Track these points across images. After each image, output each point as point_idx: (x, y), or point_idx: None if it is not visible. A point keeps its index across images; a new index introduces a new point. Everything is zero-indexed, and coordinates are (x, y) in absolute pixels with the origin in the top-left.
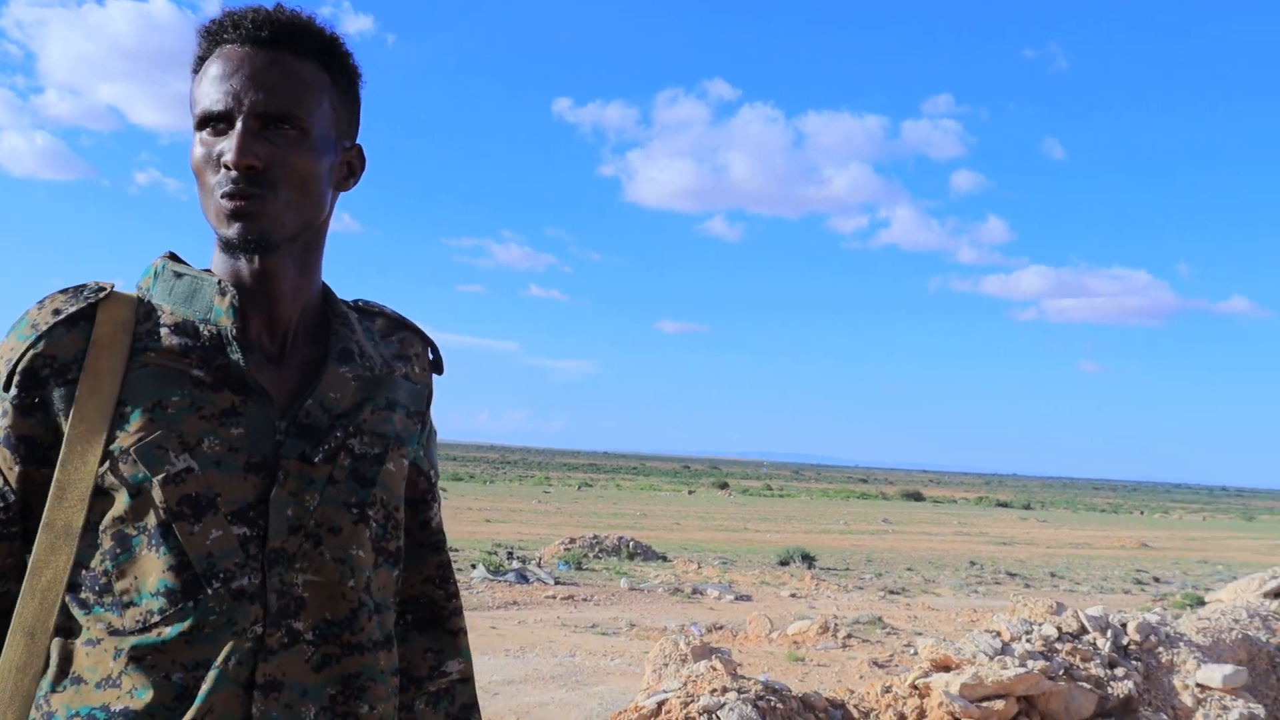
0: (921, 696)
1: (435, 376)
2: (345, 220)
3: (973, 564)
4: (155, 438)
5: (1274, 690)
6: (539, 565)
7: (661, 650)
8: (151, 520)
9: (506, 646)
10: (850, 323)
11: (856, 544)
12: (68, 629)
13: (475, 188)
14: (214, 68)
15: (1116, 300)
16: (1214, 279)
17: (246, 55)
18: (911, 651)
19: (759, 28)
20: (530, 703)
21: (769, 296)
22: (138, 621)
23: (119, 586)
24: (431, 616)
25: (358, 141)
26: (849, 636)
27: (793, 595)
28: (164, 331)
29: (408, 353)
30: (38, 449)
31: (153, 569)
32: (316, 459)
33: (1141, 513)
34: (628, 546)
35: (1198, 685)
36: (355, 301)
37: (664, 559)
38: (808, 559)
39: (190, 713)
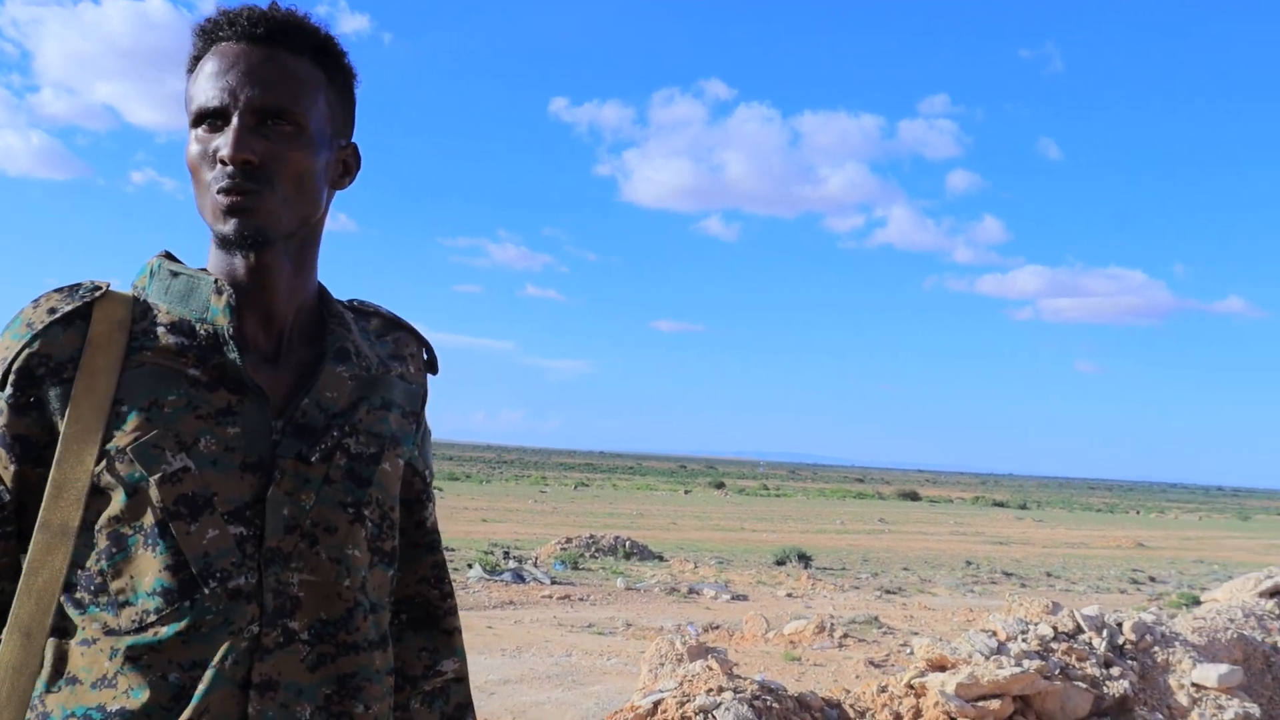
0: (917, 696)
1: (430, 376)
2: (341, 220)
3: (969, 564)
4: (152, 437)
5: (1269, 689)
6: (535, 565)
7: (657, 650)
8: (148, 520)
9: (503, 646)
10: (846, 322)
11: (853, 544)
12: (63, 629)
13: (471, 187)
14: (209, 65)
15: (1112, 300)
16: (1210, 279)
17: (242, 52)
18: (907, 651)
19: (755, 27)
20: (526, 702)
21: (765, 296)
22: (134, 621)
23: (115, 586)
24: (426, 616)
25: (353, 140)
26: (845, 636)
27: (789, 595)
28: (160, 330)
29: (403, 353)
30: (33, 448)
31: (149, 568)
32: (313, 459)
33: (1137, 512)
34: (624, 546)
35: (1193, 684)
36: (350, 301)
37: (660, 559)
38: (804, 559)
39: (186, 712)
